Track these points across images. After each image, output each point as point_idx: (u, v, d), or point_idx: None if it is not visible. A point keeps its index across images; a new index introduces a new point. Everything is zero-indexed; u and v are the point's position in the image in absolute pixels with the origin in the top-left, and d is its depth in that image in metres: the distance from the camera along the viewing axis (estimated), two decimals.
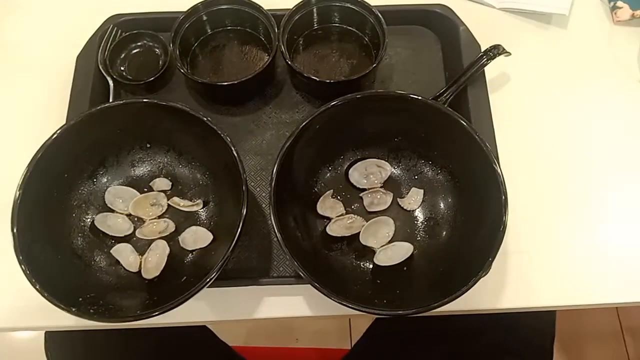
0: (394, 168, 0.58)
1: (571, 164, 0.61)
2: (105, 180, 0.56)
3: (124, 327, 0.52)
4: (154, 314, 0.45)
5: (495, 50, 0.60)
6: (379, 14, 0.61)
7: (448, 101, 0.59)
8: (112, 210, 0.55)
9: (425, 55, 0.66)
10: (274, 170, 0.48)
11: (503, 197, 0.47)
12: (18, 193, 0.47)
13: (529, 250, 0.56)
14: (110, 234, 0.54)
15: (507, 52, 0.61)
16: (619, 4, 0.68)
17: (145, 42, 0.66)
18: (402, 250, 0.53)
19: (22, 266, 0.45)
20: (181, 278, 0.50)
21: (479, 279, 0.44)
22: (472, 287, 0.44)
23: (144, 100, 0.53)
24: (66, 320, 0.53)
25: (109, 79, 0.62)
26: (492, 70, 0.63)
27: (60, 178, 0.52)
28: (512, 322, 0.68)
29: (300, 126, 0.49)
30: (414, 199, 0.56)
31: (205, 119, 0.50)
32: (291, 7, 0.61)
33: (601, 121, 0.63)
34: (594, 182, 0.60)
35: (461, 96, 0.60)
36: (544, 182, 0.59)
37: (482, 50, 0.61)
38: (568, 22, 0.69)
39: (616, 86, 0.65)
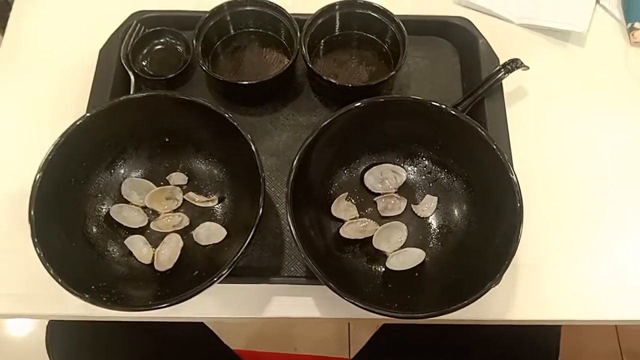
0: (410, 174, 0.58)
1: (586, 179, 0.61)
2: (123, 171, 0.56)
3: (132, 319, 0.53)
4: (163, 305, 0.45)
5: (514, 64, 0.61)
6: (401, 23, 0.61)
7: (465, 111, 0.59)
8: (128, 202, 0.55)
9: (443, 65, 0.67)
10: (293, 165, 0.48)
11: (518, 205, 0.47)
12: (38, 175, 0.47)
13: (540, 262, 0.56)
14: (124, 225, 0.54)
15: (525, 66, 0.62)
16: (637, 25, 0.69)
17: (167, 39, 0.67)
18: (414, 256, 0.53)
19: (37, 249, 0.45)
20: (193, 272, 0.51)
21: (490, 287, 0.44)
22: (483, 295, 0.44)
23: (167, 93, 0.54)
24: (72, 310, 0.53)
25: (130, 73, 0.63)
26: (510, 83, 0.63)
27: (79, 166, 0.53)
28: (518, 334, 0.67)
29: (322, 125, 0.50)
30: (427, 206, 0.56)
31: (227, 115, 0.50)
32: (314, 12, 0.62)
33: (617, 138, 0.63)
34: (609, 197, 0.60)
35: (478, 107, 0.61)
36: (558, 195, 0.60)
37: (501, 63, 0.62)
38: (586, 40, 0.70)
39: (632, 104, 0.66)
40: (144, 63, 0.66)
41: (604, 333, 1.25)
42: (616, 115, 0.65)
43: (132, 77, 0.63)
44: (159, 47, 0.67)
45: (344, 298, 0.44)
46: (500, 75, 0.60)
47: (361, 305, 0.44)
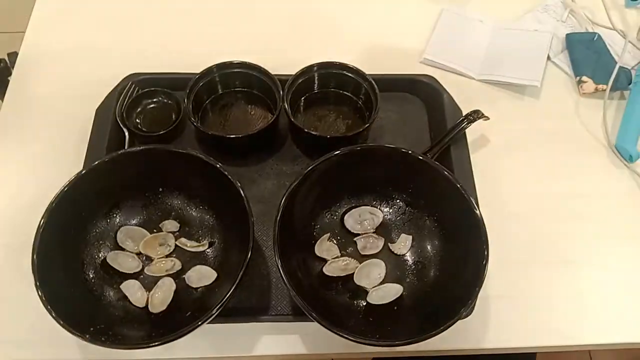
0: (386, 215, 0.62)
1: (545, 215, 0.66)
2: (119, 220, 0.60)
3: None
4: (157, 343, 0.47)
5: (475, 115, 0.67)
6: (373, 81, 0.68)
7: (433, 158, 0.65)
8: (123, 249, 0.58)
9: (412, 118, 0.73)
10: (280, 205, 0.52)
11: (484, 238, 0.52)
12: (42, 221, 0.50)
13: (510, 293, 0.60)
14: (120, 270, 0.57)
15: (485, 116, 0.68)
16: (584, 78, 0.77)
17: (160, 98, 0.72)
18: (392, 291, 0.57)
19: (39, 292, 0.48)
20: (185, 313, 0.53)
21: (463, 313, 0.48)
22: (457, 321, 0.48)
23: (163, 147, 0.58)
24: (68, 354, 0.55)
25: (125, 130, 0.68)
26: (473, 132, 0.69)
27: (78, 214, 0.56)
28: None
29: (306, 171, 0.54)
30: (403, 244, 0.60)
31: (218, 165, 0.55)
32: (295, 72, 0.68)
33: (571, 178, 0.70)
34: (565, 230, 0.65)
35: (445, 154, 0.66)
36: (520, 231, 0.65)
37: (464, 114, 0.68)
38: (540, 93, 0.77)
39: (583, 148, 0.73)
40: (137, 120, 0.70)
41: (578, 358, 1.29)
42: (569, 158, 0.71)
43: (126, 133, 0.67)
44: (151, 105, 0.72)
45: (330, 330, 0.47)
46: (463, 125, 0.66)
47: (345, 336, 0.47)
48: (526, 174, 0.70)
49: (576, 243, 0.65)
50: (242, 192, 0.53)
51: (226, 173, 0.54)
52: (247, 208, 0.53)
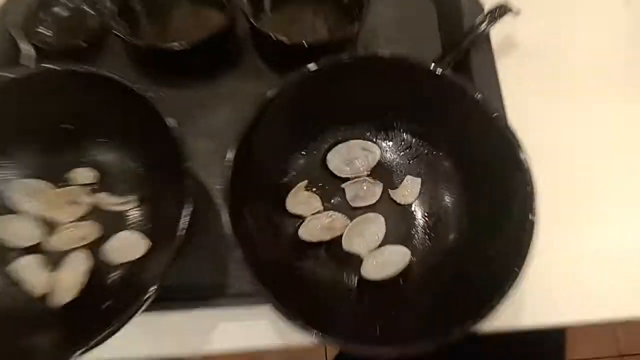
0: (385, 151, 0.50)
1: (593, 149, 0.52)
2: (8, 172, 0.46)
3: None
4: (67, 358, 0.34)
5: (501, 10, 0.53)
6: None
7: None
8: (16, 212, 0.45)
9: (416, 18, 0.60)
10: (232, 154, 0.39)
11: (529, 188, 0.37)
12: None
13: (546, 255, 0.45)
14: (11, 243, 0.44)
15: (514, 11, 0.54)
16: None
17: (73, 1, 0.58)
18: (396, 257, 0.44)
19: None
20: (106, 301, 0.41)
21: (505, 299, 0.34)
22: (497, 308, 0.33)
23: (63, 67, 0.43)
24: None
25: (26, 45, 0.53)
26: (498, 33, 0.55)
27: None
28: (515, 345, 0.58)
29: (267, 96, 0.41)
30: (409, 190, 0.48)
31: (137, 90, 0.40)
32: None
33: (624, 91, 0.55)
34: (613, 169, 0.51)
35: (463, 65, 0.53)
36: (559, 169, 0.50)
37: (486, 11, 0.54)
38: None
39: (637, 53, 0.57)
40: (45, 32, 0.57)
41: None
42: (621, 63, 0.57)
43: (30, 50, 0.53)
44: (63, 12, 0.58)
45: (302, 329, 0.33)
46: (485, 24, 0.53)
47: (330, 339, 0.32)
48: (568, 82, 0.56)
49: (630, 186, 0.50)
50: (169, 124, 0.39)
51: (150, 100, 0.40)
52: (180, 148, 0.39)
